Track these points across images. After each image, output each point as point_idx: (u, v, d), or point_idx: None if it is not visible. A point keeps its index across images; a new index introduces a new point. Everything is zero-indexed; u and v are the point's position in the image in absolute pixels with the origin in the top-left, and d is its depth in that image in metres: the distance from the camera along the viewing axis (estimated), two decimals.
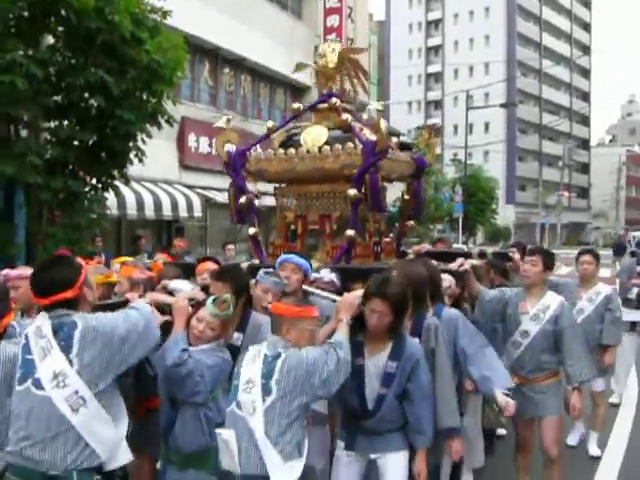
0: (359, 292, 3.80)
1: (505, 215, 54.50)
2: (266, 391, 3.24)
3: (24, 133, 8.81)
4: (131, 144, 9.30)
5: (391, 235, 6.43)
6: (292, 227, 5.81)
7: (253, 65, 20.56)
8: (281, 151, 5.51)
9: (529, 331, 4.95)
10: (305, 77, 19.94)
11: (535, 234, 69.09)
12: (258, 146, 5.76)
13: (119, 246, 15.29)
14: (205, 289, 4.22)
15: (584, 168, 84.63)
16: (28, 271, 4.28)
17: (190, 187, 16.57)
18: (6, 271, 4.54)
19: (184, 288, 4.37)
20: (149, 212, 14.56)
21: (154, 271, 5.15)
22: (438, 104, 77.64)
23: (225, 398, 3.57)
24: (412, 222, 6.32)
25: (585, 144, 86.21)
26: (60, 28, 8.11)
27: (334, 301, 3.98)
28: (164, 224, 16.81)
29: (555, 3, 79.93)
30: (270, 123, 5.84)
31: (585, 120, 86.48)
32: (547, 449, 4.97)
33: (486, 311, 5.14)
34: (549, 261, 5.07)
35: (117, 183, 9.61)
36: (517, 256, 5.85)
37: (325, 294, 4.23)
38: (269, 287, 4.27)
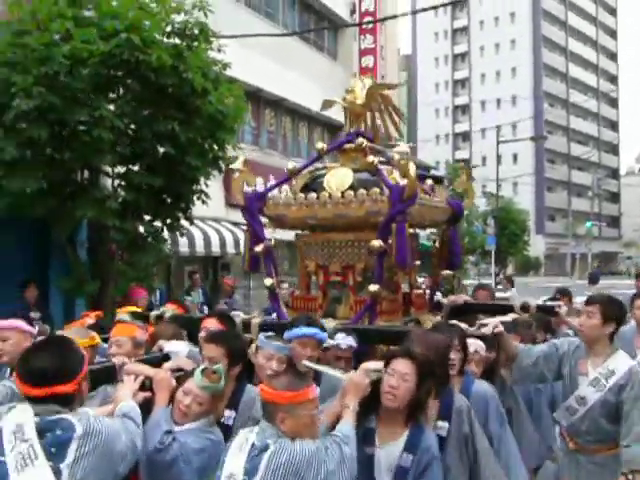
0: (372, 364, 3.41)
1: (535, 246, 54.51)
2: None
3: (102, 179, 9.53)
4: (194, 187, 9.96)
5: (423, 286, 5.91)
6: (313, 277, 5.34)
7: (292, 105, 21.34)
8: (301, 195, 5.03)
9: (587, 398, 4.19)
10: (341, 115, 20.58)
11: (565, 264, 68.93)
12: (277, 189, 5.31)
13: (169, 282, 15.97)
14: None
15: (614, 197, 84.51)
16: (18, 322, 4.09)
17: (235, 224, 17.26)
18: None
19: (181, 351, 4.03)
20: (199, 249, 15.23)
21: (149, 331, 4.59)
22: (466, 136, 78.31)
23: None
24: (448, 272, 5.69)
25: (614, 173, 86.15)
26: (136, 84, 8.82)
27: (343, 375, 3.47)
28: (210, 260, 17.47)
29: (581, 34, 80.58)
30: (291, 164, 5.31)
31: (614, 149, 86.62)
32: None
33: (530, 374, 4.46)
34: (610, 311, 4.21)
35: (183, 223, 10.27)
36: (564, 310, 5.05)
37: (330, 371, 3.64)
38: (272, 353, 3.79)
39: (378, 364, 3.38)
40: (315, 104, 21.39)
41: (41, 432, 2.50)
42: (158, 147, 9.27)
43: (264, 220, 5.24)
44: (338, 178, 5.07)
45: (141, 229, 9.73)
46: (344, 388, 3.26)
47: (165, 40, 9.00)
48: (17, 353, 3.73)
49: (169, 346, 4.12)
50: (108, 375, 3.58)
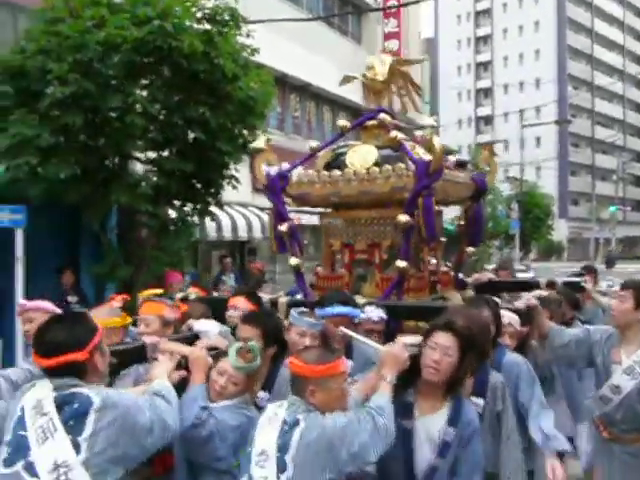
0: (409, 339, 3.41)
1: (558, 230, 54.16)
2: (281, 467, 2.77)
3: (132, 164, 9.62)
4: (224, 172, 10.02)
5: (448, 263, 5.89)
6: (338, 256, 5.32)
7: (316, 90, 21.33)
8: (325, 173, 4.99)
9: (621, 387, 4.14)
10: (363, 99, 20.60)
11: (589, 249, 68.36)
12: (301, 167, 5.23)
13: (196, 267, 16.11)
14: (236, 330, 3.85)
15: (639, 181, 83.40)
16: (44, 303, 4.13)
17: (262, 209, 17.34)
18: (22, 301, 4.33)
19: (211, 330, 3.97)
20: (227, 233, 15.34)
21: (181, 310, 4.58)
22: (488, 120, 77.65)
23: None
24: (472, 248, 5.73)
25: (639, 157, 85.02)
26: (167, 70, 8.89)
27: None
28: (237, 245, 17.58)
29: (606, 14, 79.34)
30: (314, 143, 5.29)
31: (639, 132, 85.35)
32: None
33: (561, 356, 4.44)
34: None
35: (212, 208, 10.35)
36: (590, 285, 5.21)
37: (367, 341, 3.59)
38: (305, 329, 3.78)
39: (416, 338, 3.37)
40: (339, 89, 21.50)
41: (59, 406, 2.53)
42: (189, 133, 9.34)
43: (287, 200, 5.21)
44: (361, 155, 5.04)
45: (172, 214, 9.82)
46: (382, 360, 3.19)
47: (195, 26, 9.05)
48: None
49: (199, 325, 4.08)
50: (138, 354, 3.54)
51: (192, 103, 9.06)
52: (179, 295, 5.26)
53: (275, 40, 16.92)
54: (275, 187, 5.05)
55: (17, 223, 8.68)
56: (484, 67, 79.93)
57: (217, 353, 3.43)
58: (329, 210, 5.44)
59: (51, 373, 2.63)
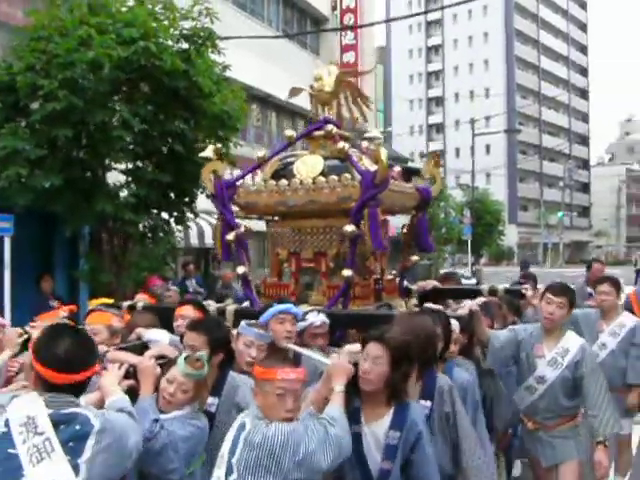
0: (353, 347, 3.46)
1: (508, 235, 55.77)
2: (228, 469, 2.90)
3: (112, 174, 10.11)
4: (199, 182, 10.57)
5: (393, 272, 5.92)
6: (285, 264, 5.33)
7: (277, 101, 21.97)
8: (272, 182, 5.03)
9: (546, 377, 4.57)
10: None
11: (538, 253, 70.38)
12: (248, 177, 5.23)
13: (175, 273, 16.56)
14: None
15: (584, 187, 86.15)
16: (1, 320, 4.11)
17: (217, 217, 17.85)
18: None
19: (161, 339, 3.98)
20: (194, 240, 15.84)
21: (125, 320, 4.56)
22: (440, 128, 79.32)
23: (204, 472, 3.28)
24: (415, 257, 5.84)
25: (585, 164, 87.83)
26: (146, 87, 9.44)
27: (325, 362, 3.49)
28: (202, 252, 18.06)
29: (552, 26, 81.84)
30: (261, 152, 5.34)
31: (584, 140, 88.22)
32: None
33: (498, 358, 4.75)
34: (573, 300, 4.70)
35: (189, 216, 10.91)
36: (530, 293, 5.36)
37: (314, 356, 3.67)
38: (252, 339, 3.82)
39: (358, 346, 3.41)
40: (298, 100, 22.15)
41: (55, 424, 2.48)
42: (167, 145, 9.88)
43: (235, 208, 5.20)
44: (308, 165, 5.07)
45: (151, 222, 10.34)
46: (328, 372, 3.27)
47: (174, 45, 9.61)
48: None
49: (149, 334, 4.04)
50: None
51: (170, 117, 9.62)
52: (126, 303, 5.19)
53: (239, 54, 17.54)
54: (223, 196, 5.06)
55: (5, 231, 9.10)
56: (435, 76, 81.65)
57: (166, 362, 3.40)
58: (276, 219, 5.50)
59: (51, 388, 2.56)
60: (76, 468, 2.44)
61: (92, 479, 2.48)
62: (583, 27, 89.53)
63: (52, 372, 2.54)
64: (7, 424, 2.48)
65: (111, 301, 4.99)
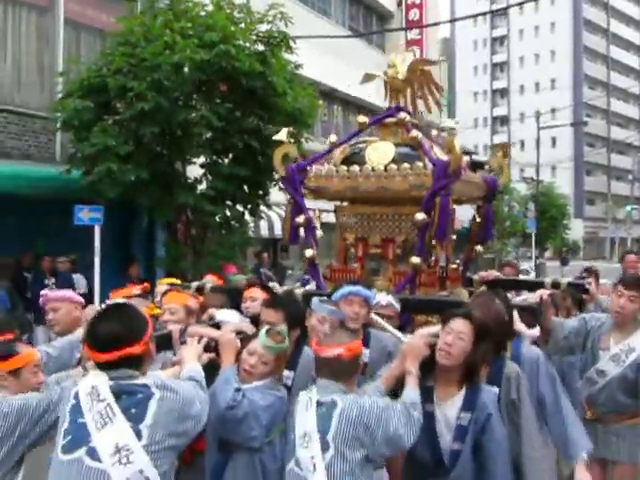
0: (429, 330, 3.48)
1: (574, 229, 55.00)
2: (324, 446, 2.92)
3: (191, 169, 10.82)
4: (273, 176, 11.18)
5: (457, 261, 5.87)
6: (352, 249, 5.31)
7: (343, 96, 22.48)
8: (343, 168, 5.01)
9: (606, 372, 4.43)
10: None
11: (605, 248, 69.06)
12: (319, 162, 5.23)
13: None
14: (254, 320, 3.96)
15: None
16: (68, 293, 4.38)
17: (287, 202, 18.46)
18: (45, 292, 4.47)
19: (232, 319, 4.10)
20: (264, 231, 16.52)
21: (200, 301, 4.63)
22: (504, 121, 78.41)
23: (282, 441, 3.30)
24: (480, 247, 5.76)
25: None
26: (224, 86, 10.10)
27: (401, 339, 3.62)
28: (271, 242, 18.73)
29: (622, 14, 79.78)
30: (333, 137, 5.30)
31: None
32: None
33: (563, 347, 4.63)
34: None
35: (262, 208, 11.56)
36: (593, 287, 5.27)
37: (392, 331, 3.84)
38: (325, 316, 3.86)
39: (434, 328, 3.45)
40: (365, 94, 22.56)
41: (117, 394, 2.61)
42: (243, 141, 10.51)
43: (305, 192, 5.18)
44: (380, 152, 5.02)
45: (227, 213, 11.01)
46: (403, 352, 3.31)
47: (250, 46, 10.23)
48: (68, 322, 4.13)
49: (220, 315, 4.15)
50: (165, 342, 3.64)
51: (246, 115, 10.25)
52: (195, 284, 5.25)
53: (306, 51, 18.12)
54: (294, 179, 5.06)
55: (96, 221, 9.90)
56: (500, 68, 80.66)
57: (244, 337, 3.50)
58: (345, 204, 5.48)
59: (108, 367, 2.67)
60: (138, 433, 2.56)
61: (155, 444, 2.58)
62: None
63: (96, 353, 2.69)
64: (77, 396, 2.65)
65: (179, 281, 5.28)
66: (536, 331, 4.18)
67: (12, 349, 3.14)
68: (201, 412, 2.81)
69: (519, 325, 4.03)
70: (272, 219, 16.82)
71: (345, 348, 3.05)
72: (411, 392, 3.14)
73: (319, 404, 2.98)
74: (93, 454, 2.53)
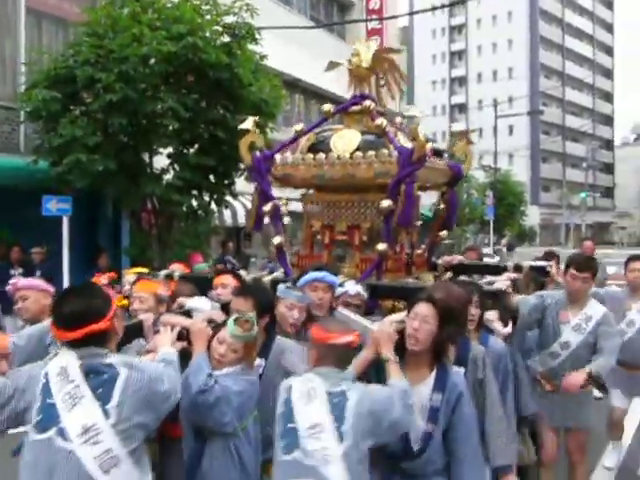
0: (395, 316, 3.60)
1: (530, 216, 56.12)
2: (340, 437, 2.91)
3: (157, 159, 10.93)
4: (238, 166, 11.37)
5: (422, 246, 5.96)
6: (319, 237, 5.39)
7: (305, 85, 22.67)
8: (310, 156, 5.05)
9: (570, 342, 4.75)
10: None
11: (560, 234, 70.57)
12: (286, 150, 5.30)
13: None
14: (225, 308, 3.99)
15: (608, 168, 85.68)
16: (37, 281, 4.47)
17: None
18: (14, 280, 4.53)
19: (203, 307, 4.12)
20: (227, 220, 16.69)
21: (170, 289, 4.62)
22: (462, 108, 79.32)
23: (256, 427, 3.41)
24: (444, 232, 5.88)
25: (609, 144, 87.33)
26: (191, 78, 10.23)
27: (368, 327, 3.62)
28: (234, 231, 18.90)
29: (576, 5, 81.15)
30: (299, 126, 5.31)
31: (608, 120, 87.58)
32: (571, 454, 4.94)
33: (526, 323, 4.83)
34: (597, 269, 4.90)
35: (227, 198, 11.73)
36: (554, 270, 5.47)
37: (359, 321, 3.80)
38: (293, 302, 3.95)
39: (400, 315, 3.54)
40: (325, 83, 22.74)
41: (87, 374, 2.67)
42: (210, 131, 10.66)
43: (271, 180, 5.24)
44: (345, 139, 5.07)
45: (194, 203, 11.17)
46: (374, 339, 3.35)
47: (216, 38, 10.36)
48: (36, 310, 4.19)
49: (191, 303, 4.17)
50: (136, 331, 3.69)
51: (212, 106, 10.40)
52: (163, 272, 5.32)
53: (267, 40, 18.25)
54: (260, 168, 5.12)
55: (64, 211, 9.97)
56: (458, 56, 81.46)
57: (215, 325, 3.54)
58: (311, 192, 5.53)
59: (75, 344, 2.73)
60: (106, 412, 2.63)
61: (122, 422, 2.65)
62: (609, 5, 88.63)
63: (62, 331, 2.74)
64: (46, 376, 2.71)
65: (146, 270, 5.30)
66: (509, 329, 4.42)
67: None
68: (170, 390, 2.85)
69: (495, 324, 4.29)
70: (236, 208, 17.01)
71: (355, 335, 3.12)
72: (399, 380, 3.17)
73: (329, 394, 2.98)
74: (63, 434, 2.60)
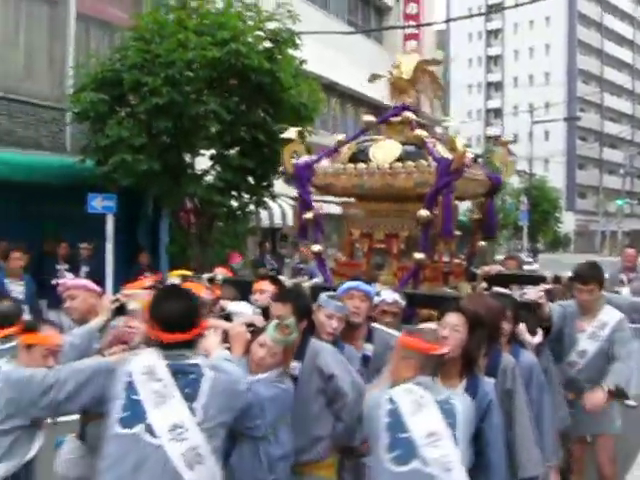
0: (427, 325, 3.61)
1: (565, 222, 55.66)
2: (457, 441, 3.00)
3: (199, 160, 11.24)
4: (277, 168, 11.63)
5: (461, 255, 6.02)
6: (357, 244, 5.51)
7: (342, 88, 22.89)
8: (350, 165, 5.18)
9: (587, 350, 4.78)
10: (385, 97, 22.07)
11: (595, 241, 69.76)
12: (326, 159, 5.43)
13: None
14: (264, 311, 4.09)
15: None
16: (83, 281, 4.55)
17: (295, 199, 18.91)
18: (63, 280, 4.68)
19: (243, 311, 4.20)
20: (264, 221, 16.97)
21: (215, 294, 4.73)
22: (498, 113, 78.83)
23: (287, 432, 3.47)
24: (483, 242, 5.93)
25: None
26: (233, 81, 10.52)
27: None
28: (270, 232, 19.19)
29: (616, 8, 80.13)
30: (340, 136, 5.49)
31: None
32: (602, 466, 4.84)
33: (555, 332, 4.81)
34: (602, 277, 4.90)
35: (266, 199, 12.01)
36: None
37: (389, 330, 4.06)
38: (333, 312, 4.01)
39: (433, 325, 3.58)
40: (361, 87, 22.93)
41: (174, 374, 2.80)
42: (251, 134, 10.93)
43: (312, 189, 5.38)
44: (385, 150, 5.17)
45: (234, 204, 11.45)
46: None
47: (257, 44, 10.64)
48: (84, 310, 4.21)
49: (232, 306, 4.26)
50: None
51: (253, 109, 10.68)
52: (206, 276, 5.38)
53: (309, 46, 18.50)
54: (302, 177, 5.23)
55: (109, 209, 10.30)
56: (494, 61, 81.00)
57: (254, 330, 3.60)
58: (351, 200, 5.65)
59: (166, 346, 2.85)
60: (193, 411, 2.77)
61: (207, 421, 2.79)
62: None
63: (166, 333, 2.84)
64: (130, 375, 2.83)
65: (190, 273, 5.34)
66: (538, 338, 4.41)
67: (34, 326, 3.48)
68: (245, 388, 3.04)
69: (524, 335, 4.28)
70: (272, 209, 17.30)
71: (446, 347, 3.23)
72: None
73: (438, 402, 3.04)
74: (150, 430, 2.73)
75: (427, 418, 2.99)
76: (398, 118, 5.39)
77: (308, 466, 3.58)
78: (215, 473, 2.85)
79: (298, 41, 11.41)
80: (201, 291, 4.27)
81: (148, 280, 4.86)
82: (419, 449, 2.93)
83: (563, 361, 4.86)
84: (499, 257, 22.48)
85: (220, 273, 5.61)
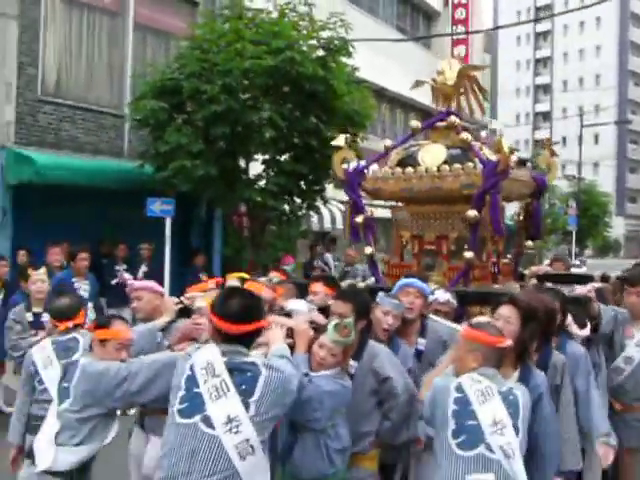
0: (482, 319, 3.71)
1: (615, 227, 54.72)
2: (517, 431, 3.14)
3: (252, 165, 11.55)
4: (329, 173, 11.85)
5: (509, 255, 6.19)
6: (408, 246, 5.67)
7: (391, 94, 23.04)
8: (399, 170, 5.37)
9: (633, 357, 4.75)
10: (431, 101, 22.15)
11: None
12: (375, 164, 5.63)
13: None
14: (323, 310, 4.20)
15: None
16: (149, 283, 4.71)
17: (343, 202, 19.13)
18: (131, 281, 5.01)
19: (301, 309, 4.30)
20: (314, 225, 17.24)
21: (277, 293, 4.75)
22: (546, 116, 77.89)
23: (343, 424, 3.62)
24: (530, 242, 6.05)
25: None
26: (287, 89, 10.80)
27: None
28: (320, 235, 19.43)
29: None
30: (388, 141, 5.69)
31: None
32: None
33: (603, 333, 4.83)
34: None
35: (318, 204, 12.27)
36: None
37: (447, 323, 4.26)
38: (389, 309, 4.16)
39: (485, 318, 3.69)
40: (409, 92, 23.00)
41: (231, 370, 2.97)
42: (304, 140, 11.19)
43: (363, 193, 5.57)
44: (432, 153, 5.37)
45: (287, 208, 11.73)
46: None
47: (311, 52, 10.90)
48: (149, 310, 4.44)
49: (291, 305, 4.35)
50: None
51: (307, 115, 10.93)
52: (262, 279, 5.45)
53: (359, 51, 18.69)
54: (352, 182, 5.44)
55: (167, 213, 10.66)
56: (543, 63, 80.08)
57: (316, 327, 3.77)
58: (400, 204, 5.83)
59: (226, 339, 3.05)
60: (247, 406, 2.94)
61: (259, 415, 2.96)
62: None
63: (229, 324, 3.03)
64: (192, 368, 3.02)
65: (247, 276, 5.38)
66: (586, 331, 4.48)
67: (106, 322, 3.76)
68: (297, 386, 3.19)
69: (572, 327, 4.36)
70: (323, 214, 17.56)
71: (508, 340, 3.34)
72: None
73: (500, 393, 3.17)
74: (207, 421, 2.91)
75: (493, 407, 3.13)
76: (443, 123, 5.59)
77: (353, 458, 3.75)
78: (263, 462, 3.02)
79: (351, 49, 11.64)
80: (262, 291, 4.40)
81: (210, 282, 5.08)
82: (486, 436, 3.09)
83: (610, 367, 4.82)
84: (547, 262, 22.36)
85: (275, 277, 5.76)
